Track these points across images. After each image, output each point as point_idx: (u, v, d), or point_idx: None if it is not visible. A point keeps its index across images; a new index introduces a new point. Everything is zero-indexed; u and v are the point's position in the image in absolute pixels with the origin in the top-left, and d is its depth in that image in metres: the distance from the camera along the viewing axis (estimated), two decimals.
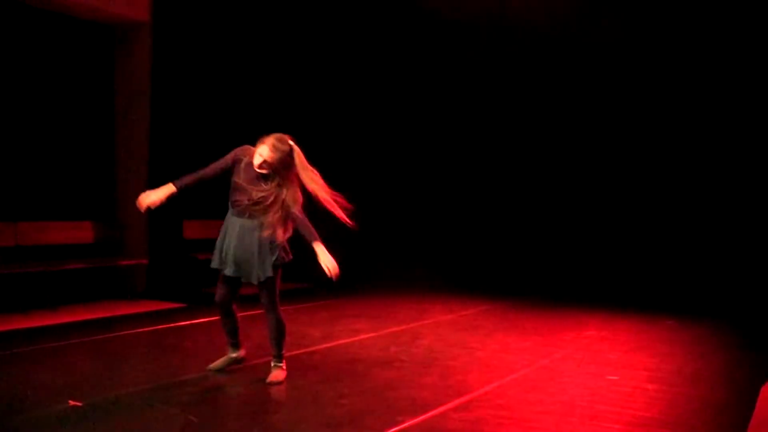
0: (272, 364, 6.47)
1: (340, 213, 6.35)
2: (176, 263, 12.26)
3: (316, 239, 6.16)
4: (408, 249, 14.80)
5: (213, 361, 6.87)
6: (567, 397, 6.18)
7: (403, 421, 5.34)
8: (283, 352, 6.54)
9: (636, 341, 8.83)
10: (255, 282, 6.38)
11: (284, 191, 6.14)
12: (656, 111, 12.84)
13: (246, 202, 6.25)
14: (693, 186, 12.35)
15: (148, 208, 6.51)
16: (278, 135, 6.20)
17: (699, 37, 12.39)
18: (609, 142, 13.10)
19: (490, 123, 14.37)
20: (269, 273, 6.28)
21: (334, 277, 6.10)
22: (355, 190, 14.79)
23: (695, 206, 12.28)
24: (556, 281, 13.09)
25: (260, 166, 6.13)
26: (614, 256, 12.84)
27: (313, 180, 6.20)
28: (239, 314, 6.77)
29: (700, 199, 12.26)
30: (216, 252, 6.50)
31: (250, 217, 6.28)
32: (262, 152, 6.11)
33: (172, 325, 9.24)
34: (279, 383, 6.36)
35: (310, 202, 6.35)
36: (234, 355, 6.76)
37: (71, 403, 5.59)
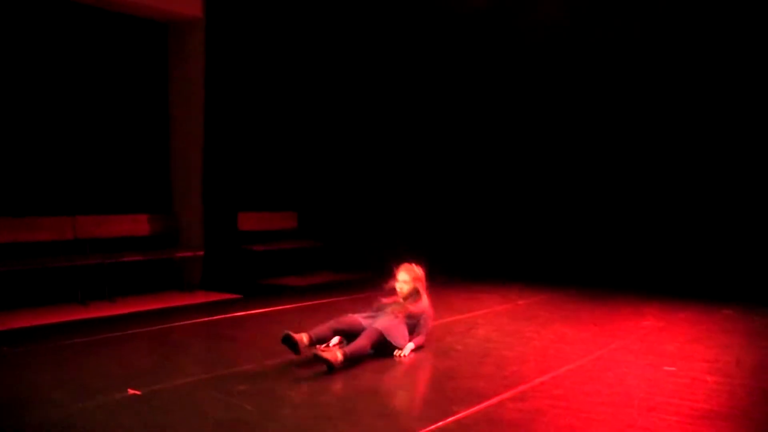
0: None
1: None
2: (232, 255, 12.38)
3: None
4: (460, 238, 14.80)
5: (269, 351, 6.94)
6: (624, 388, 6.11)
7: (459, 411, 5.33)
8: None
9: (694, 331, 8.70)
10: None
11: None
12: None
13: None
14: (751, 172, 12.11)
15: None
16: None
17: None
18: (646, 123, 12.93)
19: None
20: None
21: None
22: (405, 180, 14.92)
23: (752, 194, 12.05)
24: (612, 270, 12.94)
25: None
26: (671, 244, 12.66)
27: None
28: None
29: (760, 186, 12.02)
30: None
31: None
32: None
33: (228, 316, 9.33)
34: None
35: None
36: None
37: (130, 391, 5.68)
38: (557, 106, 13.92)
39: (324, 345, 6.91)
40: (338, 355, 6.43)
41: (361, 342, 6.77)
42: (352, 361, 6.54)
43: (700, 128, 12.46)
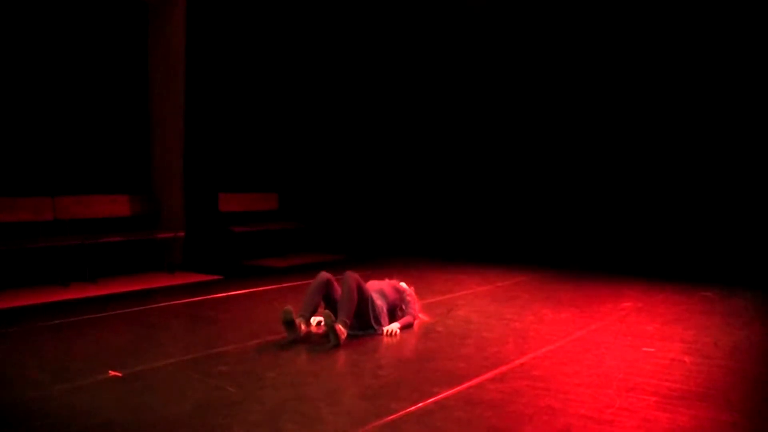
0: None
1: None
2: (213, 236, 12.37)
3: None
4: (440, 219, 14.84)
5: (250, 332, 6.96)
6: (603, 368, 6.16)
7: (439, 392, 5.36)
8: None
9: (673, 313, 8.77)
10: None
11: None
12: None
13: None
14: (734, 152, 12.13)
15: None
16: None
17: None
18: (620, 105, 12.97)
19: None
20: None
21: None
22: (385, 161, 14.91)
23: (735, 175, 12.10)
24: (592, 252, 13.01)
25: None
26: (651, 226, 12.73)
27: None
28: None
29: (743, 167, 12.05)
30: None
31: None
32: None
33: (209, 297, 9.33)
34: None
35: None
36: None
37: (111, 373, 5.67)
38: (533, 90, 13.95)
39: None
40: (343, 330, 6.66)
41: (351, 296, 6.90)
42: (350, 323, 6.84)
43: (675, 111, 12.51)
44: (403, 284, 8.03)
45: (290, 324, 6.69)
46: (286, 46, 14.14)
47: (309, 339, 6.91)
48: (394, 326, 7.34)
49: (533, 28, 13.74)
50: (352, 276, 7.00)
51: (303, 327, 6.79)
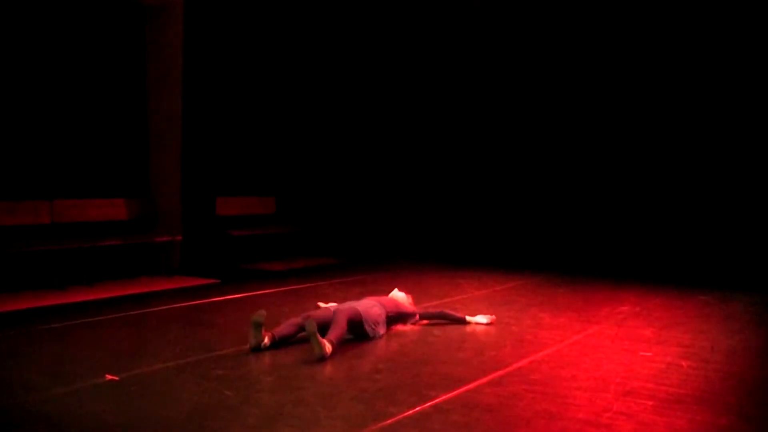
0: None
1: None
2: (210, 239, 12.36)
3: None
4: (438, 223, 14.83)
5: (246, 336, 6.94)
6: (601, 372, 6.16)
7: (436, 396, 5.36)
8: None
9: (670, 317, 8.77)
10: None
11: None
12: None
13: None
14: (734, 156, 12.13)
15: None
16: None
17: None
18: (633, 112, 12.96)
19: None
20: None
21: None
22: (383, 165, 14.91)
23: (731, 179, 12.10)
24: (589, 256, 13.01)
25: None
26: (648, 230, 12.73)
27: None
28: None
29: (739, 170, 12.05)
30: None
31: None
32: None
33: (207, 300, 9.32)
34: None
35: None
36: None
37: (108, 377, 5.67)
38: (529, 95, 13.95)
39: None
40: (329, 348, 6.44)
41: (340, 323, 6.77)
42: (337, 346, 6.57)
43: (672, 116, 12.52)
44: (400, 294, 8.06)
45: (258, 328, 6.59)
46: (283, 50, 14.14)
47: (306, 342, 6.89)
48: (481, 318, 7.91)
49: (535, 32, 13.74)
50: (342, 312, 6.93)
51: (266, 340, 6.63)
